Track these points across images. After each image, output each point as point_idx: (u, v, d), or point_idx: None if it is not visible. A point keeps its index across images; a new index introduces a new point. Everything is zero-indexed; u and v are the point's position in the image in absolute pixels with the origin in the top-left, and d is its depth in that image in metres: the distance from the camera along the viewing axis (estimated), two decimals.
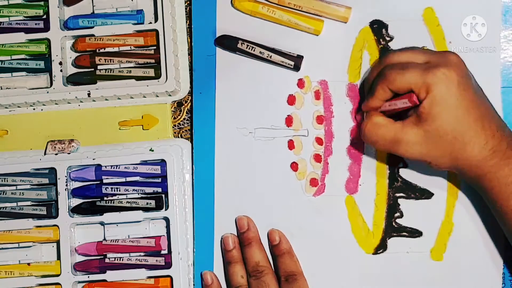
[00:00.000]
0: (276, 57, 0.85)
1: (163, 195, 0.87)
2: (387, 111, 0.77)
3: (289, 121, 0.86)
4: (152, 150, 0.87)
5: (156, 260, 0.86)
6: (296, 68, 0.85)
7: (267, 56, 0.85)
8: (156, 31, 0.87)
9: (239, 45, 0.85)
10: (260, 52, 0.85)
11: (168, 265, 0.85)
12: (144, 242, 0.86)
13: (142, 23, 0.88)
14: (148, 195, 0.87)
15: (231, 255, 0.84)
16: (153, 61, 0.87)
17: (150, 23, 0.88)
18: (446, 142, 0.72)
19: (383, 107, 0.77)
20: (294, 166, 0.86)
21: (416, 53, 0.75)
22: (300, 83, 0.86)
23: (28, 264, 0.87)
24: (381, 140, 0.75)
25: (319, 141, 0.85)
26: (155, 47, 0.88)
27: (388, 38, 0.85)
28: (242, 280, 0.83)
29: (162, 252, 0.86)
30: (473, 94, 0.72)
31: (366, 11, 0.85)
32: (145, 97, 0.88)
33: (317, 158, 0.85)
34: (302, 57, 0.85)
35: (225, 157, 0.86)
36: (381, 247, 0.84)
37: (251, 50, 0.85)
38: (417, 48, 0.77)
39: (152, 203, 0.86)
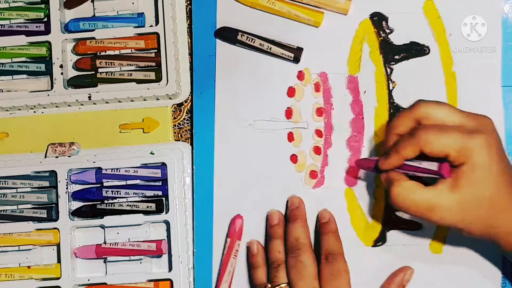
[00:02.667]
0: (276, 49, 0.85)
1: (164, 199, 0.87)
2: (405, 172, 0.74)
3: (288, 113, 0.86)
4: (153, 153, 0.87)
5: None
6: (296, 60, 0.85)
7: (267, 48, 0.85)
8: (157, 34, 0.87)
9: (239, 37, 0.85)
10: (260, 44, 0.85)
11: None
12: (145, 246, 0.85)
13: (143, 26, 0.88)
14: (149, 198, 0.87)
15: (274, 230, 0.83)
16: (154, 64, 0.87)
17: (151, 26, 0.88)
18: (483, 209, 0.70)
19: (403, 168, 0.73)
20: (293, 158, 0.85)
21: (451, 112, 0.72)
22: (300, 75, 0.86)
23: (28, 267, 0.87)
24: (414, 207, 0.71)
25: (318, 133, 0.85)
26: (156, 50, 0.88)
27: (388, 31, 0.84)
28: (280, 255, 0.82)
29: (163, 255, 0.86)
30: (507, 160, 0.71)
31: (366, 3, 0.85)
32: (145, 100, 0.88)
33: (317, 150, 0.85)
34: (302, 49, 0.85)
35: (224, 148, 0.86)
36: (380, 239, 0.84)
37: (251, 42, 0.85)
38: (449, 105, 0.74)
39: (153, 206, 0.86)
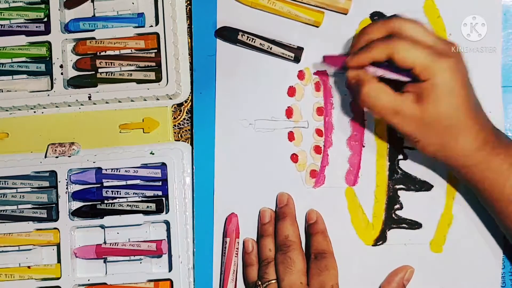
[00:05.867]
0: (276, 49, 0.85)
1: (164, 199, 0.87)
2: (375, 75, 0.76)
3: (289, 112, 0.86)
4: (153, 153, 0.87)
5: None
6: (297, 59, 0.85)
7: (267, 48, 0.85)
8: (157, 34, 0.87)
9: (239, 37, 0.85)
10: (261, 44, 0.85)
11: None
12: (145, 246, 0.85)
13: (143, 26, 0.88)
14: (149, 199, 0.87)
15: (264, 229, 0.84)
16: (154, 64, 0.87)
17: (151, 26, 0.88)
18: (440, 127, 0.73)
19: (378, 72, 0.76)
20: (294, 157, 0.85)
21: (425, 32, 0.75)
22: (300, 75, 0.86)
23: (29, 267, 0.87)
24: (379, 106, 0.75)
25: (319, 132, 0.85)
26: (156, 50, 0.88)
27: None
28: (270, 253, 0.83)
29: (163, 255, 0.86)
30: (470, 87, 0.74)
31: (366, 3, 0.85)
32: (145, 100, 0.88)
33: (317, 149, 0.85)
34: (303, 48, 0.85)
35: (225, 148, 0.86)
36: (381, 238, 0.84)
37: (252, 41, 0.85)
38: (424, 26, 0.75)
39: (153, 206, 0.86)
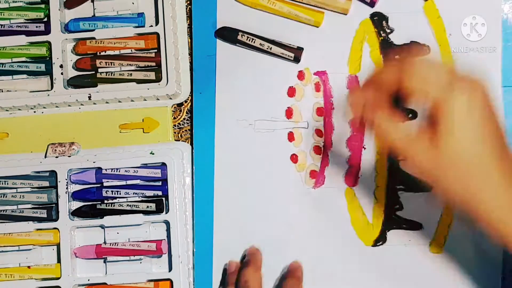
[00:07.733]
0: (276, 49, 0.85)
1: (164, 198, 0.87)
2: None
3: (289, 113, 0.86)
4: (153, 153, 0.87)
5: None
6: (296, 60, 0.85)
7: (267, 48, 0.85)
8: (157, 34, 0.87)
9: (239, 37, 0.85)
10: (260, 44, 0.85)
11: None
12: (145, 246, 0.85)
13: (143, 26, 0.88)
14: (149, 198, 0.87)
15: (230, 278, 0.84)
16: (154, 64, 0.87)
17: (151, 26, 0.88)
18: (460, 167, 0.62)
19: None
20: (293, 158, 0.85)
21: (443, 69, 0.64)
22: (300, 75, 0.86)
23: (28, 267, 0.87)
24: (393, 141, 0.65)
25: (319, 133, 0.85)
26: (156, 50, 0.88)
27: (388, 30, 0.84)
28: None
29: (163, 255, 0.86)
30: (495, 123, 0.64)
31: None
32: (145, 100, 0.88)
33: (317, 150, 0.85)
34: (302, 49, 0.85)
35: (225, 148, 0.86)
36: (381, 239, 0.84)
37: (251, 42, 0.85)
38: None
39: (153, 206, 0.86)
